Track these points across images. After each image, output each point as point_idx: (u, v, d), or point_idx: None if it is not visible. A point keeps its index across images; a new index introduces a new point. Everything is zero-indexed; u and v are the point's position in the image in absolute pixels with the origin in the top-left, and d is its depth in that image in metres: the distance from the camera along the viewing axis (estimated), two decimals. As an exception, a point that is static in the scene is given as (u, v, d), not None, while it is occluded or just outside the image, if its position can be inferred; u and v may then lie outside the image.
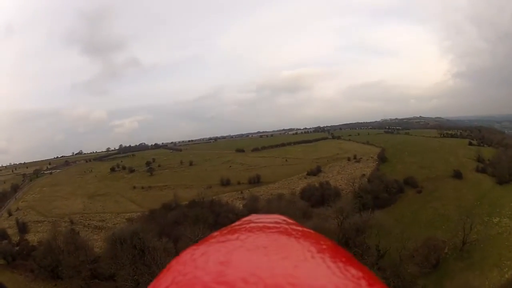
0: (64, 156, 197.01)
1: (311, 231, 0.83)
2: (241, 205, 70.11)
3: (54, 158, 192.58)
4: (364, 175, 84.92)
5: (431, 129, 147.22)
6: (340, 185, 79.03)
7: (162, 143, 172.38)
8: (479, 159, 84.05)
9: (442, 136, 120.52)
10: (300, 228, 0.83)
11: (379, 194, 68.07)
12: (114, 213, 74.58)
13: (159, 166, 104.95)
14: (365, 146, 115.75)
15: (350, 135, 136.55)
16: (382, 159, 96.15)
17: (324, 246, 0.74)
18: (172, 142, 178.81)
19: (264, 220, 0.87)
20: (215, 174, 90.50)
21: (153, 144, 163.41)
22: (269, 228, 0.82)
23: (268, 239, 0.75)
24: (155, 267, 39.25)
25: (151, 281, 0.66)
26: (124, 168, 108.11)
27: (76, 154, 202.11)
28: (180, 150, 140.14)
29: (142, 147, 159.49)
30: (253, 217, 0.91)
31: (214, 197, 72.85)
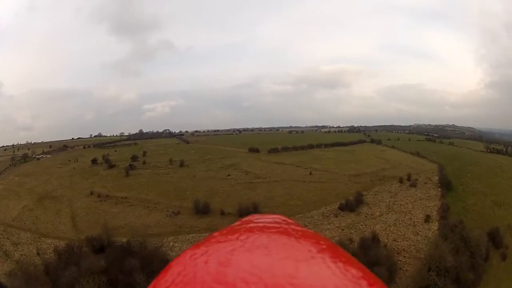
0: (81, 138, 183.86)
1: (311, 231, 0.82)
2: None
3: (70, 139, 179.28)
4: (429, 217, 52.98)
5: (470, 139, 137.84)
6: (397, 243, 47.65)
7: (180, 131, 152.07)
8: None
9: (488, 151, 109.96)
10: (300, 228, 0.81)
11: (460, 272, 38.23)
12: (37, 234, 52.87)
13: (144, 163, 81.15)
14: (416, 158, 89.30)
15: (389, 139, 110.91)
16: (446, 185, 64.64)
17: (324, 246, 0.73)
18: (195, 131, 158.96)
19: (264, 220, 0.86)
20: (201, 185, 63.55)
21: (167, 131, 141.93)
22: (269, 228, 0.80)
23: (268, 239, 0.74)
24: None
25: None
26: (107, 161, 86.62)
27: (94, 136, 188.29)
28: (188, 142, 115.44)
29: (154, 135, 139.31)
30: (253, 217, 0.89)
31: (163, 243, 44.20)
